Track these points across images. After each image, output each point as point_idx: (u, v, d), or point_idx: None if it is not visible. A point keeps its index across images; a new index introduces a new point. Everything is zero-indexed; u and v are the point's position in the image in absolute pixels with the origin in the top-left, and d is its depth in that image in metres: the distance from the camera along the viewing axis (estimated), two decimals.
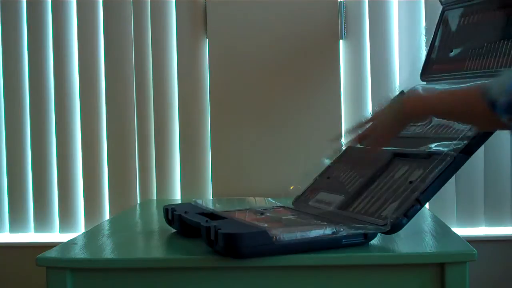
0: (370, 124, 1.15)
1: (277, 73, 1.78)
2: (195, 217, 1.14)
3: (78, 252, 1.09)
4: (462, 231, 1.72)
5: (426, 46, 1.44)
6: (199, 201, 1.30)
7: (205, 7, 1.81)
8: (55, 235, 1.87)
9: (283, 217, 1.15)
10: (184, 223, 1.17)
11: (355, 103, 1.79)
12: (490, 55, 1.22)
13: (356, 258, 1.01)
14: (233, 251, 0.97)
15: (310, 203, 1.28)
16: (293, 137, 1.78)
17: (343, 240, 1.04)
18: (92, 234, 1.26)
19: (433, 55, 1.38)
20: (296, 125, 1.78)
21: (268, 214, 1.19)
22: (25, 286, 1.85)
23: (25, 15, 1.87)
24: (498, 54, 1.19)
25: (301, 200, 1.32)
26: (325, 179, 1.33)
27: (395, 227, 1.02)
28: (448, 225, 1.28)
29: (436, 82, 1.36)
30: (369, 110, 1.78)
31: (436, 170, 1.06)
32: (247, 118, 1.79)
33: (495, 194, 1.76)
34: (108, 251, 1.12)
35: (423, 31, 1.74)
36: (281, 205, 1.31)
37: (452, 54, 1.32)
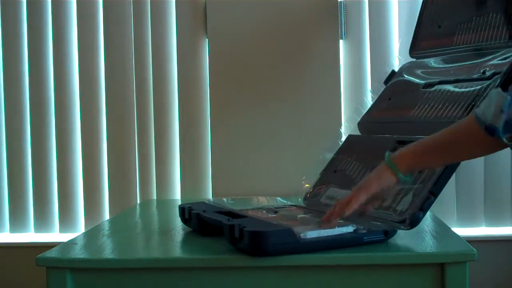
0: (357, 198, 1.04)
1: (277, 73, 1.78)
2: (215, 215, 1.14)
3: (78, 252, 1.09)
4: (462, 231, 1.72)
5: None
6: (213, 200, 1.31)
7: (205, 7, 1.81)
8: (55, 235, 1.87)
9: (299, 216, 1.16)
10: (202, 221, 1.17)
11: (355, 103, 1.79)
12: (479, 29, 1.20)
13: (356, 258, 1.01)
14: (259, 249, 0.98)
15: (321, 200, 1.27)
16: (293, 137, 1.78)
17: (365, 238, 1.04)
18: (92, 234, 1.26)
19: (421, 31, 1.37)
20: (296, 125, 1.78)
21: (281, 213, 1.20)
22: (25, 286, 1.85)
23: (25, 15, 1.87)
24: (487, 27, 1.18)
25: (311, 198, 1.30)
26: (332, 173, 1.31)
27: (413, 222, 1.02)
28: (448, 225, 1.28)
29: (426, 57, 1.34)
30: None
31: None
32: (247, 118, 1.79)
33: (495, 194, 1.76)
34: (108, 251, 1.12)
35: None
36: (293, 203, 1.31)
37: (440, 29, 1.30)
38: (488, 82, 1.09)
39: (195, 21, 1.82)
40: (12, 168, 1.89)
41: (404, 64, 1.41)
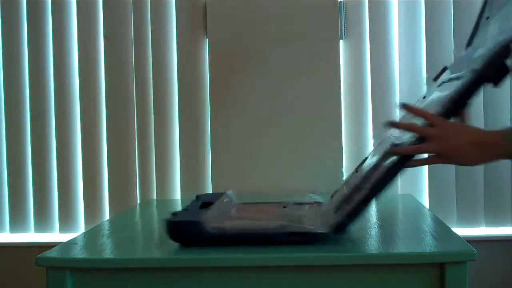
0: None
1: (277, 73, 1.78)
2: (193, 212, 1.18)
3: (78, 252, 1.08)
4: (462, 231, 1.72)
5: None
6: (230, 193, 1.39)
7: (205, 7, 1.81)
8: (55, 235, 1.87)
9: (297, 213, 1.16)
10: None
11: (355, 103, 1.79)
12: None
13: (356, 258, 1.01)
14: (173, 237, 1.08)
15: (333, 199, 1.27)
16: (292, 136, 1.78)
17: (283, 237, 1.05)
18: (92, 234, 1.26)
19: (477, 29, 1.36)
20: (296, 125, 1.78)
21: (286, 209, 1.21)
22: (25, 286, 1.85)
23: (25, 15, 1.87)
24: None
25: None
26: (354, 173, 1.32)
27: (338, 229, 1.04)
28: (448, 225, 1.28)
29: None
30: (369, 110, 1.78)
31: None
32: (247, 118, 1.79)
33: (495, 194, 1.76)
34: (108, 251, 1.12)
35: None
36: (319, 200, 1.30)
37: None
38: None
39: (195, 21, 1.82)
40: (12, 168, 1.89)
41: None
